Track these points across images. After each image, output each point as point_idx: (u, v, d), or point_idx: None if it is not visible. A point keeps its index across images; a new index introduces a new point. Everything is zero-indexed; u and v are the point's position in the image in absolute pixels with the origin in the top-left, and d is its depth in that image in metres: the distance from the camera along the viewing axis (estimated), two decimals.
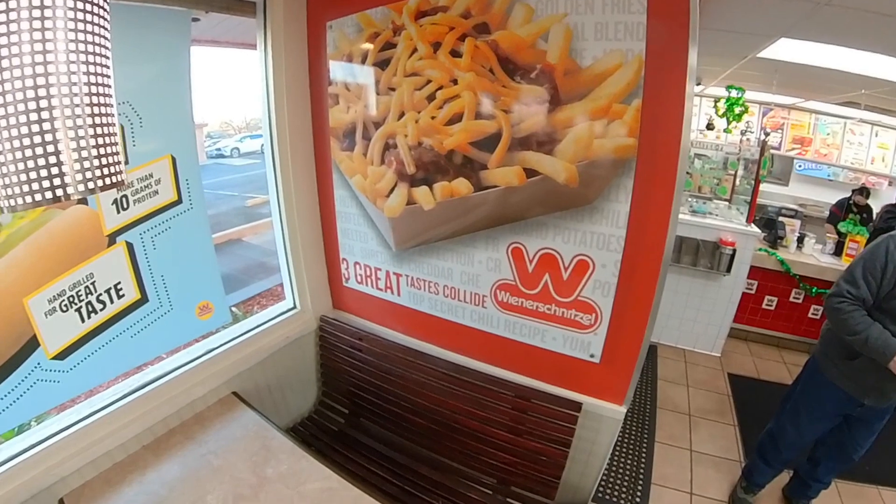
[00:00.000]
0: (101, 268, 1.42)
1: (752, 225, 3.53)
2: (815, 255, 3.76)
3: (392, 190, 1.78)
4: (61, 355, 1.38)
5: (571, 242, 1.51)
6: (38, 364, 1.34)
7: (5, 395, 1.29)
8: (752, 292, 3.79)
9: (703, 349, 3.73)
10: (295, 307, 2.15)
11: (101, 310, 1.45)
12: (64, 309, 1.36)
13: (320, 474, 1.46)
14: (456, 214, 1.68)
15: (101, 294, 1.43)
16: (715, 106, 4.73)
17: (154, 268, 1.56)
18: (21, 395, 1.32)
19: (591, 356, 1.62)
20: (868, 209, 4.52)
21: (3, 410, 1.29)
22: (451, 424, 1.82)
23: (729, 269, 3.41)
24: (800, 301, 3.75)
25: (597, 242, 1.46)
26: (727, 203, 3.95)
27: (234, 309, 2.65)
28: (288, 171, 1.91)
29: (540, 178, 1.49)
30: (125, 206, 1.45)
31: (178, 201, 1.59)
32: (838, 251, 3.75)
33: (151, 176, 1.50)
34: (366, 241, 1.99)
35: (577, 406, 1.62)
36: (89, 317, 1.42)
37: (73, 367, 1.42)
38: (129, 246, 1.48)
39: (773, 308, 3.83)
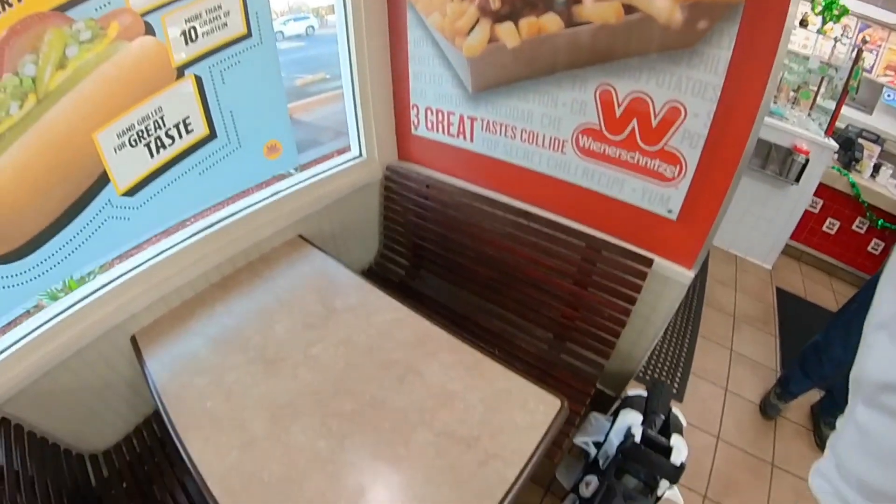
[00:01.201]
0: (169, 101, 1.39)
1: (830, 139, 3.30)
2: (888, 188, 3.52)
3: (473, 27, 1.67)
4: (131, 192, 1.39)
5: (665, 87, 1.40)
6: (109, 201, 1.34)
7: (78, 233, 1.30)
8: (815, 211, 3.62)
9: (755, 259, 3.66)
10: (361, 155, 2.13)
11: (170, 145, 1.43)
12: (133, 143, 1.34)
13: (389, 306, 1.50)
14: (542, 53, 1.57)
15: (169, 129, 1.41)
16: (813, 2, 4.27)
17: (223, 103, 1.52)
18: (93, 233, 1.33)
19: (669, 211, 1.57)
20: None
21: (76, 249, 1.31)
22: (515, 274, 1.83)
23: (798, 180, 3.23)
24: (862, 231, 3.57)
25: (692, 89, 1.36)
26: (807, 112, 3.68)
27: (292, 171, 2.65)
28: (360, 12, 1.80)
29: (639, 16, 1.36)
30: (193, 37, 1.38)
31: (248, 35, 1.51)
32: None
33: (220, 7, 1.42)
34: (440, 84, 1.90)
35: (649, 261, 1.60)
36: (158, 152, 1.41)
37: (142, 205, 1.43)
38: (198, 79, 1.43)
39: (833, 232, 3.66)
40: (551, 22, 1.50)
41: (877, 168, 3.58)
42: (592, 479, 1.53)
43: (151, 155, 1.40)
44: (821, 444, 2.60)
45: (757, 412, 2.65)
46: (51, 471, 1.28)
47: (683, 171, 1.48)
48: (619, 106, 1.51)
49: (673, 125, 1.44)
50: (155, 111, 1.36)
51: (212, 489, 1.04)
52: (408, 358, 1.32)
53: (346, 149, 2.15)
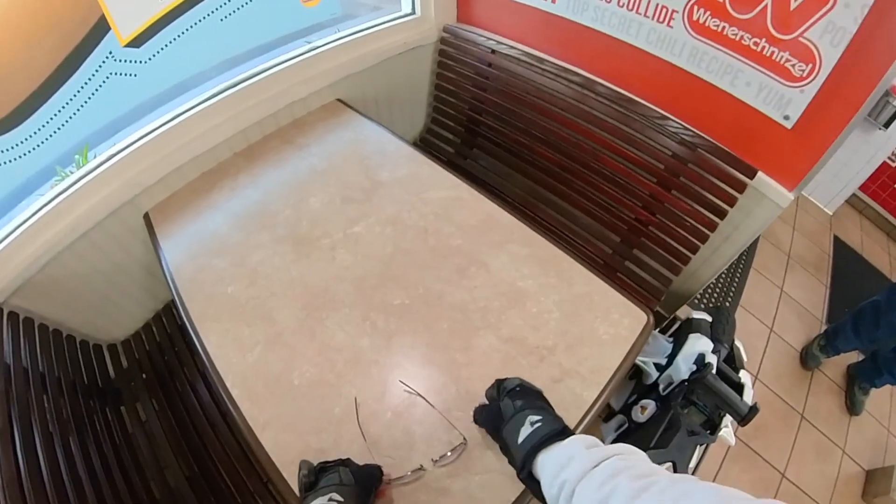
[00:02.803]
0: None
1: None
2: None
3: None
4: (136, 41, 1.16)
5: None
6: (111, 53, 1.12)
7: (78, 92, 1.09)
8: (893, 164, 3.37)
9: (818, 201, 3.48)
10: (413, 12, 1.84)
11: None
12: None
13: (447, 182, 1.30)
14: None
15: None
16: None
17: None
18: (94, 93, 1.12)
19: (786, 118, 1.34)
20: None
21: (77, 113, 1.11)
22: (586, 162, 1.61)
23: (888, 125, 2.95)
24: None
25: None
26: None
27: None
28: None
29: None
30: None
31: None
32: None
33: None
34: None
35: (752, 171, 1.38)
36: None
37: (152, 57, 1.19)
38: None
39: None
40: None
41: None
42: (650, 405, 1.42)
43: None
44: (851, 406, 2.58)
45: (797, 359, 2.61)
46: (64, 364, 1.19)
47: (816, 71, 1.23)
48: None
49: (816, 12, 1.18)
50: None
51: (231, 390, 0.91)
52: (470, 245, 1.14)
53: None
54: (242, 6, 1.31)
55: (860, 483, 2.46)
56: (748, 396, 1.31)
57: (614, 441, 1.47)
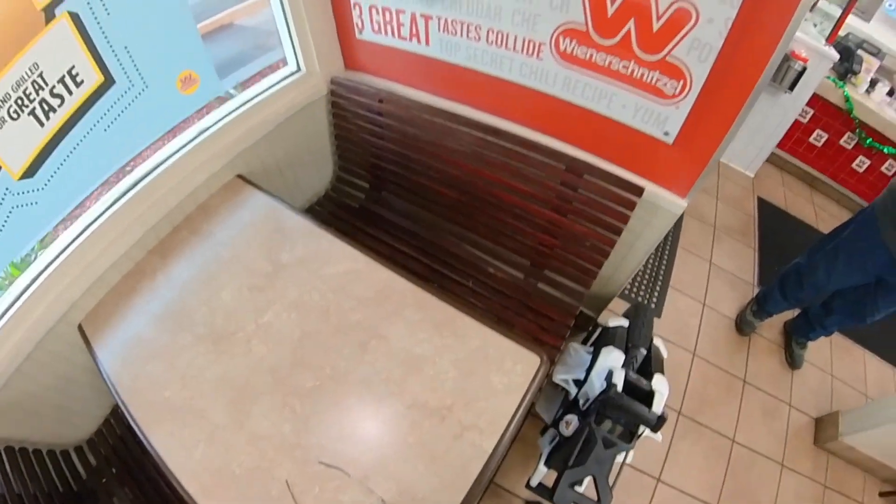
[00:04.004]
0: (44, 53, 1.12)
1: (831, 47, 3.17)
2: (882, 105, 3.50)
3: None
4: (29, 172, 1.18)
5: None
6: (7, 189, 1.14)
7: None
8: (805, 121, 3.59)
9: (738, 166, 3.66)
10: (299, 70, 1.86)
11: (60, 105, 1.19)
12: (14, 116, 1.10)
13: (343, 254, 1.38)
14: None
15: (53, 87, 1.16)
16: None
17: (112, 39, 1.24)
18: (2, 228, 1.16)
19: (665, 134, 1.44)
20: None
21: None
22: (486, 198, 1.70)
23: (792, 88, 3.13)
24: (849, 147, 3.61)
25: None
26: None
27: (232, 91, 2.34)
28: None
29: None
30: None
31: None
32: None
33: None
34: None
35: (639, 190, 1.49)
36: (48, 118, 1.17)
37: (47, 183, 1.22)
38: (74, 17, 1.15)
39: (819, 145, 3.68)
40: None
41: (873, 84, 3.53)
42: (573, 419, 1.53)
43: (41, 123, 1.17)
44: (791, 362, 2.76)
45: (732, 328, 2.78)
46: (37, 479, 1.27)
47: (687, 88, 1.32)
48: (611, 2, 1.30)
49: (680, 31, 1.25)
50: (30, 70, 1.11)
51: (186, 488, 1.02)
52: (369, 319, 1.22)
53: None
54: (124, 111, 1.32)
55: (811, 432, 2.66)
56: (659, 403, 1.43)
57: (549, 454, 1.57)
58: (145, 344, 1.26)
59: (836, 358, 3.01)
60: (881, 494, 2.62)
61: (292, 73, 1.85)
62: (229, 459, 1.04)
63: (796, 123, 3.51)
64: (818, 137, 3.65)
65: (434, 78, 1.75)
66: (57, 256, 1.32)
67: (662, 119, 1.41)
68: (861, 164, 3.63)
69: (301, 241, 1.40)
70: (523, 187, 1.61)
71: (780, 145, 3.57)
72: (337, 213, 1.97)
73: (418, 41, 1.70)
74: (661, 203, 1.54)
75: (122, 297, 1.37)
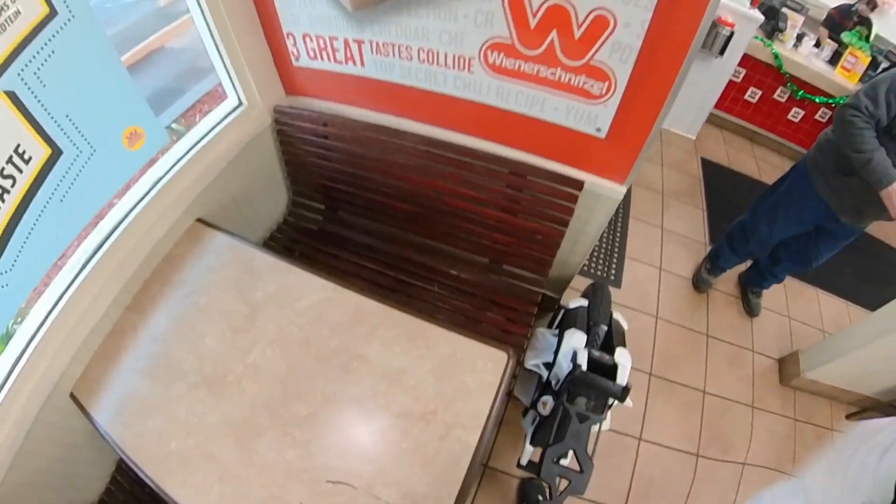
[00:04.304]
0: None
1: (756, 9, 3.37)
2: (809, 58, 3.75)
3: None
4: None
5: None
6: None
7: None
8: (738, 81, 3.81)
9: (680, 130, 3.85)
10: (241, 104, 1.91)
11: (13, 186, 1.21)
12: None
13: (312, 286, 1.46)
14: None
15: (3, 168, 1.18)
16: None
17: (53, 110, 1.27)
18: None
19: (597, 130, 1.57)
20: (868, 24, 4.34)
21: None
22: (439, 206, 1.81)
23: (722, 52, 3.32)
24: (783, 100, 3.86)
25: None
26: None
27: (174, 125, 2.35)
28: None
29: None
30: None
31: (52, 13, 1.21)
32: (834, 60, 3.75)
33: None
34: (312, 5, 1.68)
35: (579, 184, 1.63)
36: (3, 200, 1.20)
37: (14, 264, 1.25)
38: (11, 95, 1.17)
39: (755, 101, 3.92)
40: None
41: (799, 38, 3.76)
42: (548, 400, 1.67)
43: None
44: (749, 310, 2.97)
45: (690, 287, 2.96)
46: None
47: (613, 88, 1.44)
48: (533, 16, 1.40)
49: (600, 37, 1.36)
50: None
51: None
52: (347, 342, 1.32)
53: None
54: (76, 179, 1.36)
55: (775, 372, 2.88)
56: (623, 375, 1.58)
57: (532, 434, 1.72)
58: (141, 400, 1.32)
59: (790, 301, 3.24)
60: (848, 417, 2.89)
61: (235, 108, 1.89)
62: (245, 493, 1.13)
63: (731, 84, 3.72)
64: (753, 94, 3.87)
65: (374, 96, 1.84)
66: (36, 332, 1.35)
67: (593, 117, 1.53)
68: (796, 114, 3.87)
69: (271, 278, 1.48)
70: (472, 193, 1.73)
71: (718, 105, 3.77)
72: (297, 237, 2.05)
73: (354, 64, 1.78)
74: (602, 192, 1.67)
75: (109, 358, 1.42)
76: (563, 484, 1.49)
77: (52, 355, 1.34)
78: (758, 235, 2.53)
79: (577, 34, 1.38)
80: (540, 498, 1.81)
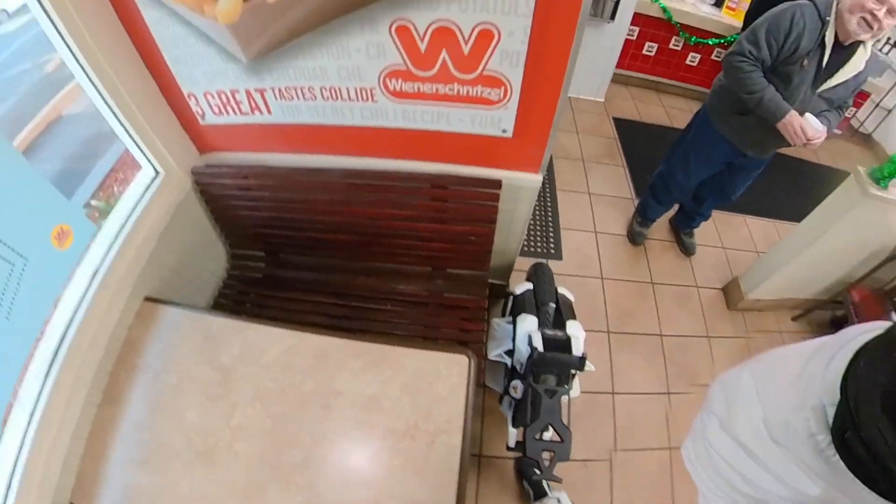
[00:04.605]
0: None
1: None
2: (696, 5, 4.00)
3: None
4: None
5: (470, 10, 1.39)
6: None
7: None
8: (634, 38, 4.03)
9: (588, 95, 4.03)
10: (157, 173, 1.92)
11: None
12: None
13: (273, 337, 1.53)
14: None
15: None
16: None
17: None
18: None
19: (504, 131, 1.69)
20: None
21: None
22: (373, 230, 1.92)
23: (613, 17, 3.53)
24: (679, 48, 4.13)
25: (501, 6, 1.37)
26: None
27: (94, 202, 2.29)
28: (67, 9, 1.44)
29: None
30: None
31: None
32: (719, 2, 4.03)
33: None
34: (207, 62, 1.71)
35: (497, 183, 1.76)
36: None
37: None
38: None
39: (653, 54, 4.17)
40: None
41: None
42: (517, 384, 1.81)
43: None
44: (685, 251, 3.20)
45: (627, 242, 3.15)
46: None
47: (509, 91, 1.56)
48: (421, 40, 1.50)
49: (488, 49, 1.47)
50: None
51: None
52: (319, 383, 1.41)
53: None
54: (16, 293, 1.37)
55: (722, 301, 3.12)
56: (578, 346, 1.73)
57: (512, 417, 1.86)
58: (143, 490, 1.35)
59: (721, 232, 3.49)
60: (794, 319, 3.19)
61: (153, 179, 1.90)
62: None
63: (628, 42, 3.95)
64: (650, 48, 4.13)
65: (288, 140, 1.91)
66: (18, 456, 1.34)
67: (497, 120, 1.66)
68: (693, 59, 4.17)
69: (232, 340, 1.53)
70: (401, 212, 1.84)
71: (619, 65, 3.98)
72: (245, 289, 2.10)
73: (260, 112, 1.83)
74: (520, 184, 1.81)
75: (98, 458, 1.43)
76: (549, 455, 1.63)
77: (41, 475, 1.34)
78: (677, 183, 2.73)
79: (466, 50, 1.49)
80: (535, 471, 1.95)
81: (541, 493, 1.93)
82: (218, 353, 1.51)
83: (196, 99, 1.85)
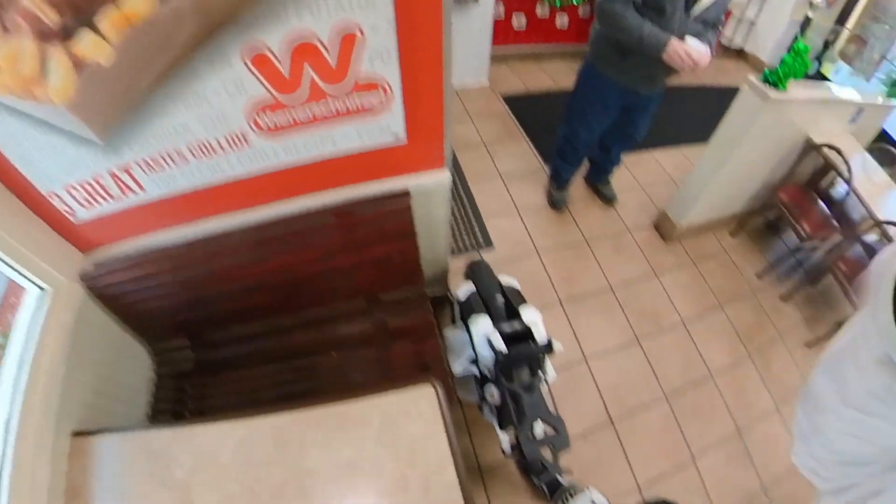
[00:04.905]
0: None
1: None
2: None
3: (44, 65, 1.29)
4: None
5: (324, 12, 1.25)
6: None
7: None
8: (502, 16, 4.08)
9: (472, 81, 3.99)
10: (43, 289, 1.66)
11: None
12: None
13: (223, 434, 1.34)
14: (152, 47, 1.28)
15: None
16: None
17: None
18: None
19: (396, 136, 1.57)
20: None
21: None
22: (293, 281, 1.76)
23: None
24: (547, 15, 4.20)
25: (357, 1, 1.24)
26: None
27: None
28: None
29: None
30: None
31: None
32: None
33: None
34: (58, 153, 1.47)
35: (405, 193, 1.64)
36: None
37: None
38: None
39: (523, 26, 4.21)
40: (138, 4, 1.21)
41: None
42: (492, 390, 1.69)
43: None
44: (607, 201, 3.26)
45: (550, 211, 3.15)
46: None
47: (389, 92, 1.44)
48: (280, 63, 1.34)
49: (353, 51, 1.33)
50: None
51: None
52: (288, 468, 1.24)
53: None
54: None
55: (657, 237, 3.20)
56: (539, 330, 1.64)
57: (498, 422, 1.74)
58: None
59: (635, 173, 3.59)
60: (731, 234, 3.35)
61: (41, 299, 1.65)
62: None
63: (497, 23, 3.96)
64: (519, 22, 4.19)
65: (173, 213, 1.71)
66: None
67: (385, 127, 1.54)
68: (562, 21, 4.28)
69: (180, 451, 1.33)
70: (314, 253, 1.68)
71: (495, 44, 3.96)
72: (179, 386, 1.87)
73: (133, 192, 1.61)
74: (430, 186, 1.70)
75: None
76: (549, 450, 1.53)
77: None
78: (581, 140, 2.74)
79: (332, 60, 1.35)
80: (542, 465, 1.85)
81: (555, 487, 1.84)
82: (169, 470, 1.31)
83: (59, 197, 1.60)
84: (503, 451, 1.69)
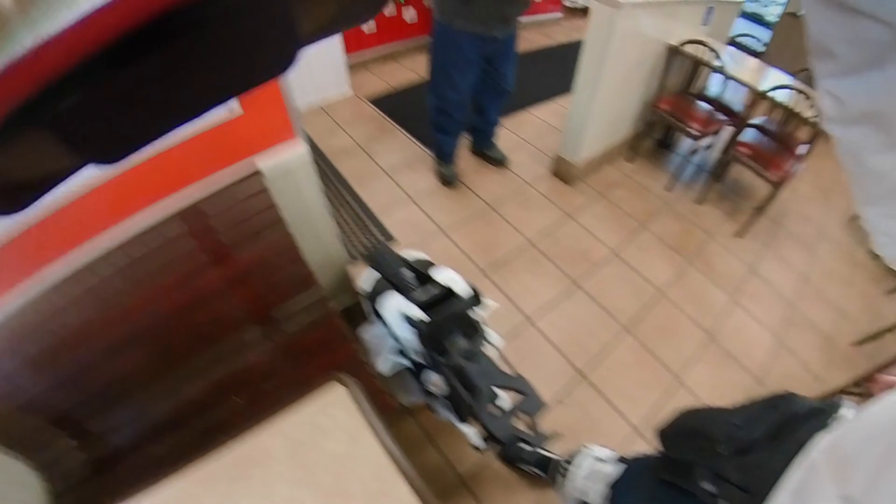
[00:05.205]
0: None
1: None
2: None
3: None
4: None
5: None
6: None
7: None
8: None
9: (335, 95, 3.74)
10: None
11: None
12: None
13: None
14: None
15: None
16: None
17: None
18: None
19: (231, 110, 1.28)
20: None
21: None
22: (162, 324, 1.35)
23: None
24: (393, 13, 4.09)
25: None
26: None
27: None
28: None
29: None
30: None
31: None
32: None
33: None
34: None
35: (256, 174, 1.33)
36: None
37: None
38: None
39: (374, 29, 4.06)
40: None
41: None
42: (432, 377, 1.39)
43: None
44: (498, 163, 3.15)
45: (445, 189, 2.96)
46: None
47: None
48: None
49: None
50: None
51: None
52: None
53: None
54: None
55: (559, 182, 3.12)
56: (460, 285, 1.36)
57: (456, 413, 1.43)
58: None
59: (519, 132, 3.52)
60: (627, 160, 3.35)
61: None
62: None
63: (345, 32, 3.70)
64: (368, 26, 4.01)
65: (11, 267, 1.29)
66: None
67: None
68: (410, 15, 4.18)
69: None
70: (173, 279, 1.30)
71: (349, 52, 3.75)
72: (82, 494, 1.43)
73: None
74: (288, 163, 1.42)
75: None
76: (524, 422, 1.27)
77: None
78: (452, 104, 2.56)
79: None
80: (523, 447, 1.57)
81: (544, 464, 1.56)
82: None
83: None
84: (476, 448, 1.39)
